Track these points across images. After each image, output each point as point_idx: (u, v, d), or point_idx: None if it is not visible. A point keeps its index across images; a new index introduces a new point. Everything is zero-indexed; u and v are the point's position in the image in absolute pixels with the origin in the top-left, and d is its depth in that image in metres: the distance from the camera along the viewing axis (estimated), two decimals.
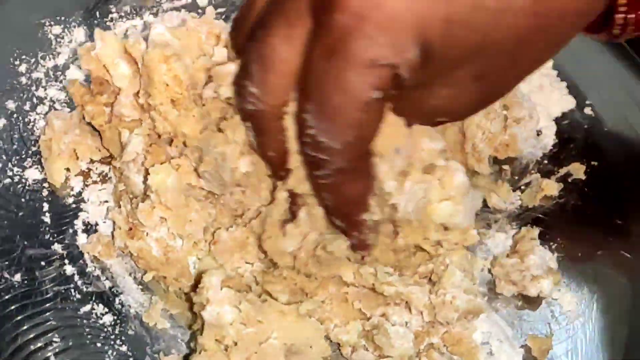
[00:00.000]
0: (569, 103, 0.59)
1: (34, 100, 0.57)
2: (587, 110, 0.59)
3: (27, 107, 0.56)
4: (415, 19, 0.36)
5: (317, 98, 0.39)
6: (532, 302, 0.52)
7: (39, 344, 0.49)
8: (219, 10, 0.61)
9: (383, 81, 0.38)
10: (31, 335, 0.49)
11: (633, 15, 0.42)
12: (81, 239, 0.53)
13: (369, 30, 0.36)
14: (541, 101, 0.58)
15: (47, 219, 0.53)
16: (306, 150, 0.42)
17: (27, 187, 0.54)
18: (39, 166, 0.55)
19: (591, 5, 0.40)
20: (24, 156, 0.55)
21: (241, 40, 0.45)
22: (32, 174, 0.54)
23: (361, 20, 0.36)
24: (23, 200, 0.53)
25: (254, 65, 0.41)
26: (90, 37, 0.58)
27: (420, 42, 0.36)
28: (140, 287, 0.52)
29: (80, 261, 0.52)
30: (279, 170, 0.46)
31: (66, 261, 0.52)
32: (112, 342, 0.49)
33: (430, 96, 0.41)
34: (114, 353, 0.49)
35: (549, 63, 0.59)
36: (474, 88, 0.41)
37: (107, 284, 0.51)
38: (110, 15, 0.60)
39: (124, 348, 0.49)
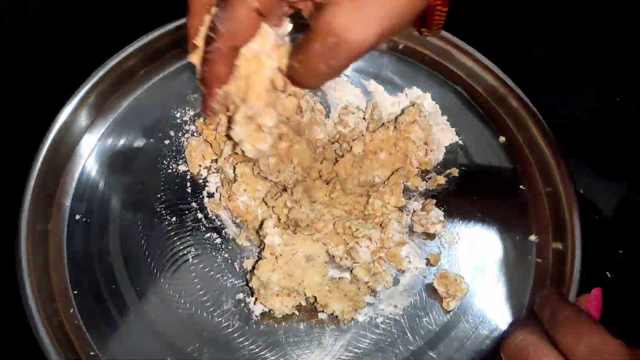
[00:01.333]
0: (455, 136, 0.58)
1: (183, 130, 0.57)
2: (460, 142, 0.58)
3: (180, 134, 0.57)
4: None
5: None
6: (431, 236, 0.52)
7: (184, 252, 0.50)
8: None
9: (262, 2, 0.35)
10: (180, 247, 0.50)
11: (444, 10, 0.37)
12: (206, 200, 0.53)
13: None
14: (439, 136, 0.57)
15: (189, 189, 0.54)
16: (208, 31, 0.38)
17: (179, 174, 0.55)
18: (185, 163, 0.55)
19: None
20: (177, 158, 0.55)
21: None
22: (182, 167, 0.55)
23: None
24: (177, 180, 0.54)
25: None
26: None
27: None
28: (235, 225, 0.52)
29: (205, 211, 0.53)
30: (189, 44, 0.40)
31: (198, 211, 0.53)
32: (220, 252, 0.51)
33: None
34: (221, 258, 0.50)
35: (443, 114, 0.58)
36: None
37: (219, 223, 0.52)
38: None
39: (226, 255, 0.50)
